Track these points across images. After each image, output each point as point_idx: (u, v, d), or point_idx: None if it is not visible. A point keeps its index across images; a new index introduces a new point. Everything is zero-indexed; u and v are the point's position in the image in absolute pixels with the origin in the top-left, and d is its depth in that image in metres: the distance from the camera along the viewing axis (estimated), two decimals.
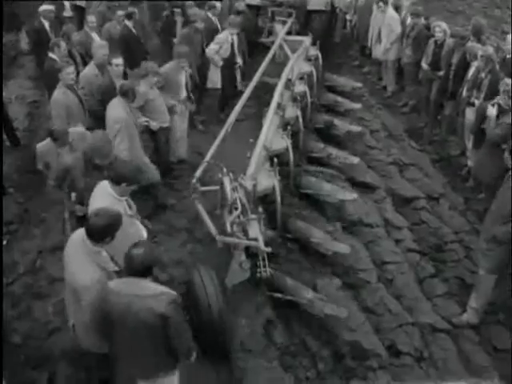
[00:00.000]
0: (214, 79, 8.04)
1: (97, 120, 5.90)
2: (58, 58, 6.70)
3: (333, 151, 7.17)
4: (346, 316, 4.68)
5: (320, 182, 6.45)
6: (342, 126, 7.85)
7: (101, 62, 6.36)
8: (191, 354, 3.34)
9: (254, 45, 10.34)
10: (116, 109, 5.50)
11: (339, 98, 8.75)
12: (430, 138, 8.31)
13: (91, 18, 8.30)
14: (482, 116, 6.30)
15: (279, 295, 4.89)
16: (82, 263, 3.37)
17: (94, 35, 8.00)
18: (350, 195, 6.17)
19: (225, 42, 7.96)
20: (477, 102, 6.72)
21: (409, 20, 8.96)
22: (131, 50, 8.05)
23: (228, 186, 5.13)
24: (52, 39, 7.98)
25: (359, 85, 9.33)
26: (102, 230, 3.36)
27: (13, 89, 9.13)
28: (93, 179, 4.31)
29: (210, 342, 4.23)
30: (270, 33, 10.55)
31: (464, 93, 7.05)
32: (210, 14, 8.50)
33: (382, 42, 9.34)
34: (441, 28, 7.85)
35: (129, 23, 8.34)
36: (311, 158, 7.24)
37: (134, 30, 8.37)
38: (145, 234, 4.02)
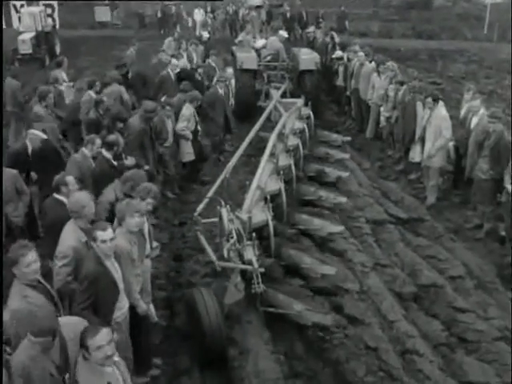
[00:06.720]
0: (188, 152, 8.61)
1: None
2: (66, 200, 5.15)
3: (323, 193, 7.94)
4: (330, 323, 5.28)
5: (310, 219, 7.18)
6: (332, 173, 8.80)
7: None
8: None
9: (252, 107, 11.54)
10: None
11: (330, 150, 9.83)
12: None
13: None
14: None
15: (272, 309, 5.51)
16: None
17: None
18: (337, 228, 6.88)
19: (191, 117, 8.53)
20: None
21: (474, 121, 7.54)
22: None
23: (225, 218, 5.88)
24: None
25: (348, 139, 10.50)
26: None
27: None
28: None
29: (211, 350, 4.99)
30: (267, 96, 11.72)
31: None
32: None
33: (426, 146, 7.98)
34: None
35: (106, 154, 6.36)
36: (304, 200, 7.93)
37: (113, 161, 6.41)
38: None
